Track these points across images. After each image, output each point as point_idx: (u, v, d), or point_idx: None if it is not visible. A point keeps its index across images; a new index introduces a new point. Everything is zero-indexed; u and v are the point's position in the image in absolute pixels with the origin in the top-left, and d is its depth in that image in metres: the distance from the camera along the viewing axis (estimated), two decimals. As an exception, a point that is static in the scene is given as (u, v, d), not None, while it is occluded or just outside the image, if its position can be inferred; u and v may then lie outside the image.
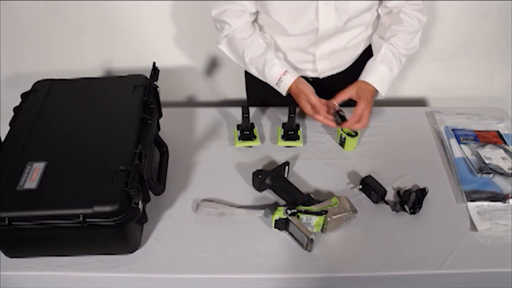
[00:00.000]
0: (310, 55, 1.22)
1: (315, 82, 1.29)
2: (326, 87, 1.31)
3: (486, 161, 1.19)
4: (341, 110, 1.19)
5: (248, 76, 1.45)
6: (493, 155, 1.22)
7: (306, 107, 1.18)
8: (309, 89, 1.17)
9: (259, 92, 1.42)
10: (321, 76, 1.30)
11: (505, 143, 1.26)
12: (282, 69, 1.17)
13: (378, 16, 1.22)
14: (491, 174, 1.16)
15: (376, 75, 1.20)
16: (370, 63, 1.22)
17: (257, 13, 1.19)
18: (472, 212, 1.08)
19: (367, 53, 1.31)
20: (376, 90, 1.21)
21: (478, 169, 1.18)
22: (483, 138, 1.28)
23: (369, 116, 1.19)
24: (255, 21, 1.22)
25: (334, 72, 1.30)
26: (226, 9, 1.15)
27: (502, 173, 1.16)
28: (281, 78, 1.17)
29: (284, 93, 1.20)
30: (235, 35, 1.18)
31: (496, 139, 1.28)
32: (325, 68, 1.27)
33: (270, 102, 1.39)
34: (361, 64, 1.31)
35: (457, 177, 1.17)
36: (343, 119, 1.18)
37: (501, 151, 1.23)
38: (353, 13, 1.12)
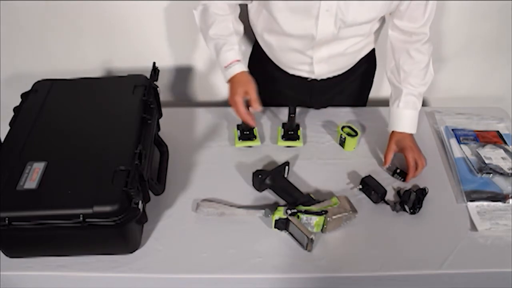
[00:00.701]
0: (307, 57, 1.22)
1: (310, 83, 1.30)
2: (322, 88, 1.32)
3: (486, 161, 1.19)
4: (397, 168, 1.18)
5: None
6: (493, 155, 1.22)
7: (238, 95, 1.13)
8: (254, 84, 1.16)
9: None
10: (318, 78, 1.29)
11: (505, 143, 1.27)
12: (238, 56, 1.16)
13: (381, 26, 1.21)
14: (491, 174, 1.17)
15: (405, 122, 1.21)
16: (394, 110, 1.21)
17: (243, 5, 1.19)
18: (472, 212, 1.08)
19: (367, 58, 1.31)
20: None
21: (478, 169, 1.18)
22: (483, 138, 1.28)
23: (420, 155, 1.18)
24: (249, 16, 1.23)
25: (332, 75, 1.30)
26: None
27: (502, 173, 1.16)
28: (233, 63, 1.16)
29: (227, 78, 1.18)
30: (211, 7, 1.18)
31: (496, 139, 1.28)
32: (323, 71, 1.26)
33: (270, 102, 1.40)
34: (360, 67, 1.31)
35: (457, 177, 1.17)
36: (404, 175, 1.16)
37: (501, 151, 1.23)
38: (352, 23, 1.10)
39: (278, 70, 1.31)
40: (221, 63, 1.18)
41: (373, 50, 1.33)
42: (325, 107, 1.40)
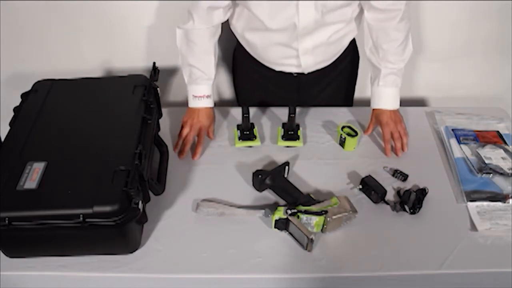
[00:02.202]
0: (293, 50, 1.22)
1: (297, 78, 1.31)
2: (308, 83, 1.34)
3: (486, 161, 1.19)
4: (397, 170, 1.18)
5: (238, 81, 1.48)
6: (493, 155, 1.22)
7: (192, 130, 1.24)
8: (213, 123, 1.29)
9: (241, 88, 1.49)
10: (306, 71, 1.30)
11: (505, 143, 1.26)
12: (210, 91, 1.26)
13: (361, 12, 1.21)
14: (491, 174, 1.17)
15: (385, 100, 1.26)
16: (375, 89, 1.26)
17: (230, 8, 1.18)
18: (472, 212, 1.08)
19: (350, 48, 1.33)
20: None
21: (478, 169, 1.18)
22: (483, 138, 1.28)
23: (396, 127, 1.24)
24: (231, 17, 1.23)
25: (318, 67, 1.30)
26: (198, 5, 1.14)
27: (502, 173, 1.16)
28: (203, 97, 1.25)
29: (192, 105, 1.27)
30: (195, 32, 1.19)
31: (496, 139, 1.28)
32: (309, 63, 1.27)
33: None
34: (345, 59, 1.34)
35: (457, 177, 1.17)
36: (404, 175, 1.17)
37: (501, 151, 1.23)
38: (333, 7, 1.11)
39: (264, 68, 1.32)
40: (191, 91, 1.25)
41: (355, 41, 1.35)
42: (313, 105, 1.40)
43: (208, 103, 1.26)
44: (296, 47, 1.20)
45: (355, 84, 1.49)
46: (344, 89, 1.46)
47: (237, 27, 1.25)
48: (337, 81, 1.39)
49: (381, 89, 1.25)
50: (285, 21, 1.13)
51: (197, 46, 1.21)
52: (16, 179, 0.92)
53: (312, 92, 1.38)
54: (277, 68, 1.31)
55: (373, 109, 1.28)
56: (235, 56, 1.43)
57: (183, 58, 1.24)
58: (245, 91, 1.49)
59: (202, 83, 1.24)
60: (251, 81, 1.33)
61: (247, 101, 1.45)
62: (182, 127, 1.26)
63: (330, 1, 1.09)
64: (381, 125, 1.25)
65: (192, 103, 1.26)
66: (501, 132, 1.30)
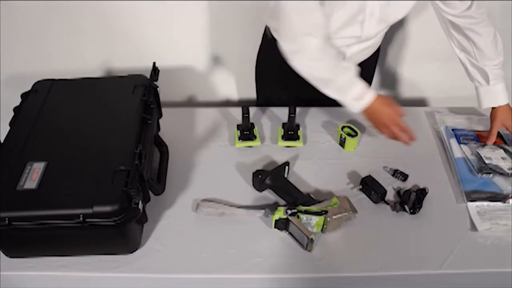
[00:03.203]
0: (341, 54, 1.22)
1: None
2: None
3: (486, 161, 1.19)
4: (397, 170, 1.18)
5: (258, 74, 1.44)
6: (493, 155, 1.22)
7: (395, 113, 1.13)
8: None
9: (267, 91, 1.44)
10: None
11: (505, 143, 1.26)
12: (362, 83, 1.12)
13: None
14: (491, 174, 1.17)
15: (502, 96, 1.25)
16: (485, 89, 1.25)
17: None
18: (472, 212, 1.08)
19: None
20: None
21: (478, 169, 1.18)
22: (483, 138, 1.28)
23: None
24: None
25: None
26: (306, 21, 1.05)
27: (502, 173, 1.16)
28: (363, 92, 1.11)
29: (361, 107, 1.12)
30: (310, 47, 1.08)
31: (496, 139, 1.28)
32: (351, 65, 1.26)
33: (279, 101, 1.39)
34: (370, 58, 1.33)
35: (457, 177, 1.17)
36: (404, 175, 1.17)
37: (501, 151, 1.23)
38: (392, 21, 1.15)
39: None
40: (349, 97, 1.13)
41: None
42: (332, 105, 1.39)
43: (373, 92, 1.12)
44: (344, 52, 1.21)
45: (372, 78, 1.49)
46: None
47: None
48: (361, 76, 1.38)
49: (492, 88, 1.23)
50: (350, 33, 1.14)
51: (325, 61, 1.11)
52: (16, 179, 0.91)
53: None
54: None
55: (497, 110, 1.25)
56: (262, 57, 1.39)
57: (335, 65, 1.13)
58: (272, 89, 1.44)
59: (352, 83, 1.11)
60: (278, 76, 1.29)
61: (272, 99, 1.42)
62: (388, 127, 1.14)
63: (391, 18, 1.11)
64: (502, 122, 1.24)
65: (358, 106, 1.13)
66: (501, 132, 1.30)
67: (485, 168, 1.18)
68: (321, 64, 1.11)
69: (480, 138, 1.28)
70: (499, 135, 1.29)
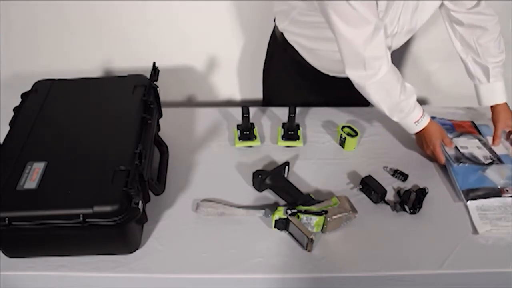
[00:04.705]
0: None
1: (339, 80, 1.26)
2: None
3: (461, 150, 1.21)
4: (397, 170, 1.18)
5: (266, 74, 1.43)
6: (469, 144, 1.24)
7: (437, 142, 1.18)
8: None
9: (277, 91, 1.44)
10: None
11: (480, 133, 1.29)
12: (422, 109, 1.17)
13: None
14: (467, 164, 1.18)
15: (500, 94, 1.26)
16: (485, 87, 1.26)
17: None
18: (472, 213, 1.08)
19: None
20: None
21: (455, 158, 1.18)
22: (459, 127, 1.29)
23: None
24: None
25: None
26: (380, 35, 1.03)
27: (478, 163, 1.18)
28: (421, 117, 1.16)
29: (416, 130, 1.18)
30: (381, 74, 1.08)
31: (471, 129, 1.30)
32: None
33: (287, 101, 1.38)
34: None
35: (452, 176, 1.16)
36: (404, 175, 1.17)
37: (476, 140, 1.26)
38: (417, 29, 1.17)
39: (313, 71, 1.29)
40: (410, 120, 1.16)
41: None
42: (346, 105, 1.39)
43: (428, 117, 1.17)
44: None
45: None
46: None
47: (306, 36, 1.21)
48: None
49: (492, 85, 1.25)
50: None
51: (390, 84, 1.11)
52: (16, 179, 0.91)
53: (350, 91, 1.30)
54: (331, 74, 1.29)
55: (497, 107, 1.26)
56: (272, 60, 1.39)
57: (394, 98, 1.12)
58: (281, 92, 1.43)
59: (413, 108, 1.14)
60: (290, 77, 1.30)
61: (283, 100, 1.40)
62: (433, 150, 1.19)
63: (418, 26, 1.14)
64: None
65: (414, 128, 1.18)
66: (475, 123, 1.32)
67: (461, 158, 1.19)
68: (392, 87, 1.11)
69: (456, 127, 1.29)
70: (474, 126, 1.30)
